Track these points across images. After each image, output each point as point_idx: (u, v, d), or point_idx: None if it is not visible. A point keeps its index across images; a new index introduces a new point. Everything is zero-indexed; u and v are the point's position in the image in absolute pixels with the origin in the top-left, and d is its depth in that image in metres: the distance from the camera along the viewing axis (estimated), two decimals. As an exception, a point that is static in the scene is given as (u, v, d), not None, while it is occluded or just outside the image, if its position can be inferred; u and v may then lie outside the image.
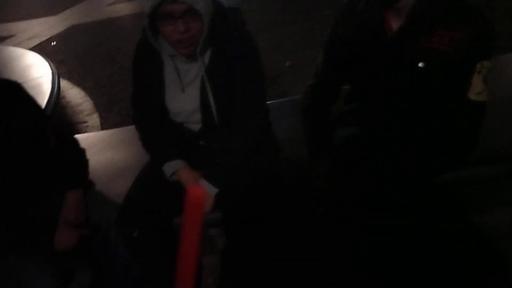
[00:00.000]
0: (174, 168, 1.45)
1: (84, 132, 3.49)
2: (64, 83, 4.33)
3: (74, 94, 4.39)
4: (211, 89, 1.38)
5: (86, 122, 3.69)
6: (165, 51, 1.35)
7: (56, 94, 3.17)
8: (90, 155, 1.63)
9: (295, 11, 5.70)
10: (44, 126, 1.49)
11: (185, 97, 1.44)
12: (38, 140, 1.45)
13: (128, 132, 2.28)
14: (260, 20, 5.34)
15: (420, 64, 1.16)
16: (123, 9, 8.14)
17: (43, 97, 3.10)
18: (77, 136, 1.69)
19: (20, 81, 3.61)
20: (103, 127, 3.53)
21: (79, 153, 1.60)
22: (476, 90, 1.14)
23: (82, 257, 1.47)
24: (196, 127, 1.52)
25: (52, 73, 3.60)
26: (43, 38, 7.02)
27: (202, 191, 0.65)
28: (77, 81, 4.72)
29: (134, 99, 1.55)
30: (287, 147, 1.70)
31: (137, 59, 1.47)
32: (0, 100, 1.35)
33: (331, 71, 1.41)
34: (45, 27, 7.84)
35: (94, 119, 3.72)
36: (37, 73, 3.79)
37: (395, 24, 1.19)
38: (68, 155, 1.53)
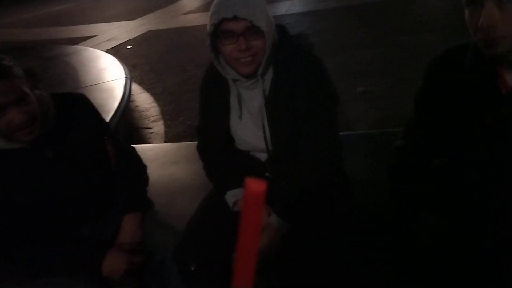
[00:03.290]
0: (237, 197, 1.37)
1: (148, 139, 3.52)
2: (134, 87, 4.46)
3: (143, 99, 4.49)
4: (268, 120, 1.32)
5: (151, 128, 3.73)
6: (228, 76, 1.30)
7: (126, 99, 3.22)
8: (152, 169, 1.58)
9: (371, 34, 5.50)
10: (105, 143, 1.45)
11: (249, 126, 1.37)
12: (99, 158, 1.42)
13: (193, 148, 2.22)
14: (333, 41, 5.20)
15: None
16: (197, 19, 8.39)
17: (114, 101, 3.16)
18: (141, 146, 1.64)
19: (94, 82, 3.82)
20: (167, 135, 3.55)
21: (140, 171, 1.54)
22: None
23: (132, 284, 1.39)
24: (263, 156, 1.43)
25: (126, 78, 3.70)
26: (121, 41, 7.39)
27: (263, 184, 0.54)
28: (147, 86, 4.85)
29: (199, 128, 1.51)
30: (358, 189, 1.54)
31: (204, 85, 1.44)
32: (66, 114, 1.33)
33: (424, 133, 1.20)
34: (124, 30, 8.26)
35: (159, 126, 3.75)
36: (111, 76, 3.92)
37: (511, 79, 1.00)
38: (129, 174, 1.47)
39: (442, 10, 6.16)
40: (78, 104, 1.41)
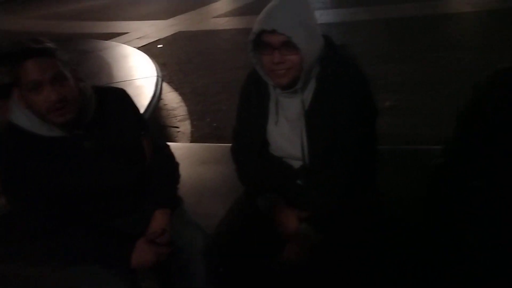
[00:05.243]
0: (270, 201, 1.39)
1: (175, 137, 3.57)
2: (163, 86, 4.52)
3: (171, 98, 4.56)
4: (306, 130, 1.33)
5: (178, 127, 3.78)
6: (269, 81, 1.33)
7: (157, 97, 3.27)
8: (180, 168, 1.60)
9: (402, 49, 5.45)
10: (142, 139, 1.48)
11: (285, 133, 1.39)
12: (135, 152, 1.44)
13: (221, 150, 2.24)
14: (366, 53, 5.16)
15: None
16: (227, 23, 8.46)
17: (144, 99, 3.21)
18: (171, 144, 1.67)
19: (126, 78, 3.89)
20: (193, 135, 3.60)
21: (173, 168, 1.57)
22: None
23: (157, 278, 1.42)
24: (296, 164, 1.44)
25: (157, 76, 3.75)
26: (151, 40, 7.51)
27: None
28: (176, 86, 4.92)
29: (236, 131, 1.53)
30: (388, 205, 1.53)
31: (245, 89, 1.47)
32: (106, 107, 1.36)
33: (467, 153, 1.19)
34: (155, 29, 8.39)
35: (185, 126, 3.80)
36: (143, 74, 3.99)
37: None
38: (163, 170, 1.51)
39: (476, 29, 6.06)
40: (119, 98, 1.44)
